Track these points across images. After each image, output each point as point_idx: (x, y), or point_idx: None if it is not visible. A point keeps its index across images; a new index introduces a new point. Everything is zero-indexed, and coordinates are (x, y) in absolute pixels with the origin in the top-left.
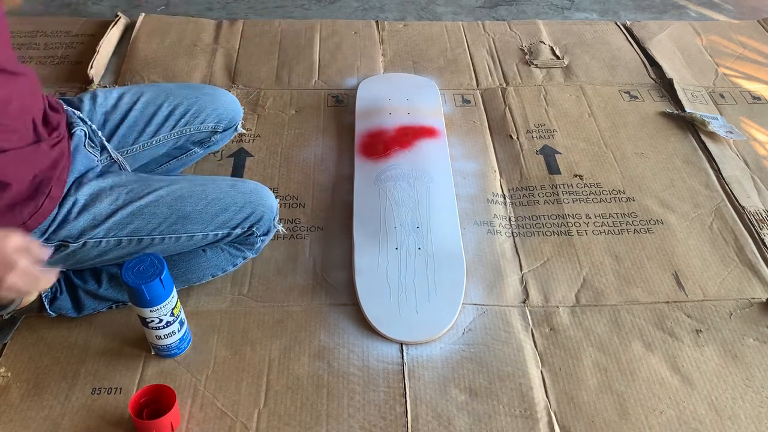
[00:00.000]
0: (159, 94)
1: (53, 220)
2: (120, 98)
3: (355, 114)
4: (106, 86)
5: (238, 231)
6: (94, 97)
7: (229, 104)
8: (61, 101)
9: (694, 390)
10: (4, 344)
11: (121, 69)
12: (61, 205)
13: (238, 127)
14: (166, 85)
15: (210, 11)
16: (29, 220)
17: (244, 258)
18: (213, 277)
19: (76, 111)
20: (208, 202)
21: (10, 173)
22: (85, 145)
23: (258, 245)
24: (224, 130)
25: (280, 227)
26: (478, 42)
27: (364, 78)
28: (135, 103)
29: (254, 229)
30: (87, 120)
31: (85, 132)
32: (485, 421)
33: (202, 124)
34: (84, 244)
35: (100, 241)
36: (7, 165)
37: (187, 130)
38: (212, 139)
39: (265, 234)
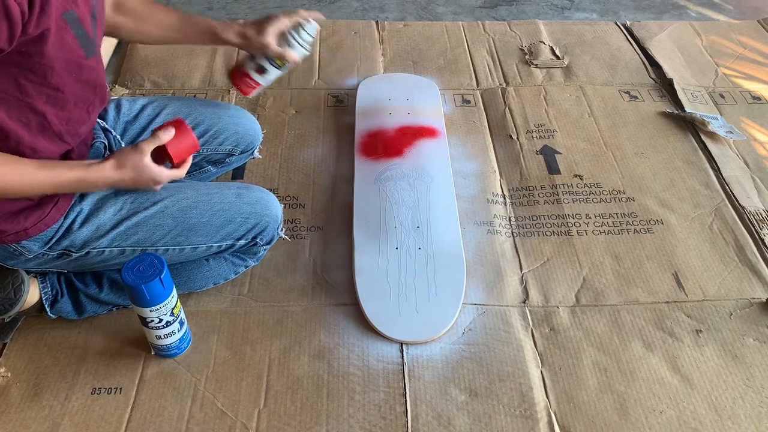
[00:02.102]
0: (181, 110)
1: (57, 230)
2: (142, 109)
3: (355, 114)
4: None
5: (242, 242)
6: (118, 107)
7: (250, 128)
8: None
9: (694, 390)
10: (4, 344)
11: (121, 69)
12: (65, 215)
13: (255, 152)
14: (190, 101)
15: (210, 11)
16: (32, 227)
17: (246, 266)
18: (215, 284)
19: (100, 121)
20: (213, 214)
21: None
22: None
23: (260, 254)
24: (241, 153)
25: (282, 233)
26: (478, 42)
27: (364, 78)
28: (156, 116)
29: (258, 239)
30: (111, 129)
31: (105, 144)
32: (485, 421)
33: (220, 145)
34: (87, 253)
35: (104, 251)
36: None
37: (204, 150)
38: (227, 160)
39: (268, 243)
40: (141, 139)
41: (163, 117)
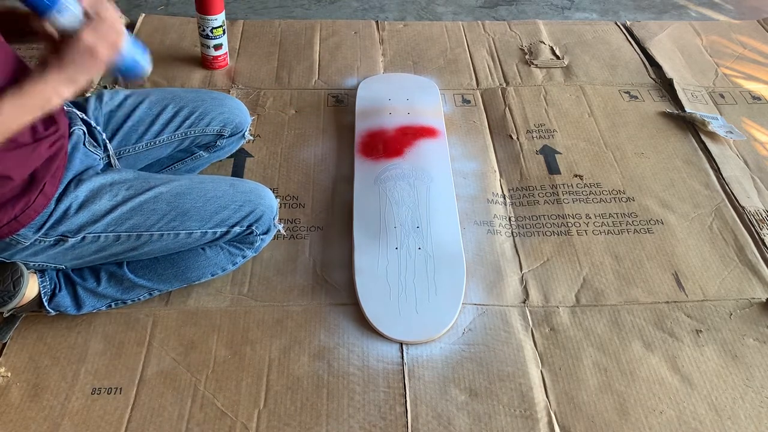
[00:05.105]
0: (165, 97)
1: (51, 215)
2: (125, 99)
3: (355, 114)
4: (106, 86)
5: (237, 229)
6: (100, 97)
7: (236, 109)
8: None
9: (694, 390)
10: (4, 344)
11: None
12: (60, 201)
13: (246, 133)
14: (172, 89)
15: None
16: (21, 215)
17: (244, 257)
18: (213, 276)
19: (78, 111)
20: (207, 200)
21: (12, 167)
22: (85, 144)
23: (258, 244)
24: (231, 135)
25: (280, 227)
26: (478, 42)
27: (364, 78)
28: (140, 103)
29: (254, 228)
30: (90, 119)
31: (84, 131)
32: (485, 421)
33: (207, 126)
34: (83, 238)
35: (99, 236)
36: (10, 160)
37: (192, 132)
38: (218, 143)
39: (265, 233)
40: (125, 127)
41: (147, 104)
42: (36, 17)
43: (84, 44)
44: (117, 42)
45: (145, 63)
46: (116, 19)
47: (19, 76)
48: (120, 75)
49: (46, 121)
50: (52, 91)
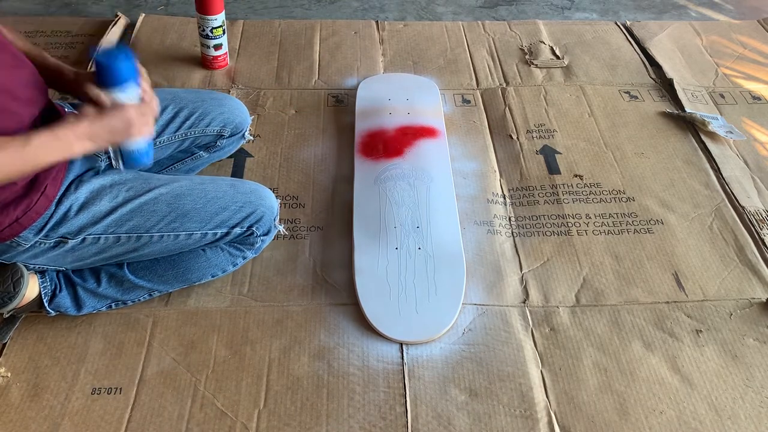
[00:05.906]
0: (165, 97)
1: (51, 217)
2: None
3: (355, 114)
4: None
5: (238, 230)
6: None
7: (236, 109)
8: (64, 104)
9: (694, 390)
10: (4, 344)
11: None
12: (60, 203)
13: (245, 133)
14: (172, 90)
15: None
16: (23, 217)
17: (244, 258)
18: (213, 277)
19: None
20: (207, 201)
21: None
22: None
23: (258, 245)
24: (231, 135)
25: (281, 228)
26: (478, 42)
27: (364, 78)
28: None
29: (254, 228)
30: None
31: None
32: (485, 421)
33: (207, 127)
34: (83, 240)
35: (99, 238)
36: None
37: (192, 133)
38: (218, 143)
39: (266, 234)
40: None
41: None
42: (95, 84)
43: (126, 117)
44: (149, 129)
45: (150, 157)
46: (156, 110)
47: (47, 114)
48: (126, 157)
49: (46, 122)
50: (78, 143)
